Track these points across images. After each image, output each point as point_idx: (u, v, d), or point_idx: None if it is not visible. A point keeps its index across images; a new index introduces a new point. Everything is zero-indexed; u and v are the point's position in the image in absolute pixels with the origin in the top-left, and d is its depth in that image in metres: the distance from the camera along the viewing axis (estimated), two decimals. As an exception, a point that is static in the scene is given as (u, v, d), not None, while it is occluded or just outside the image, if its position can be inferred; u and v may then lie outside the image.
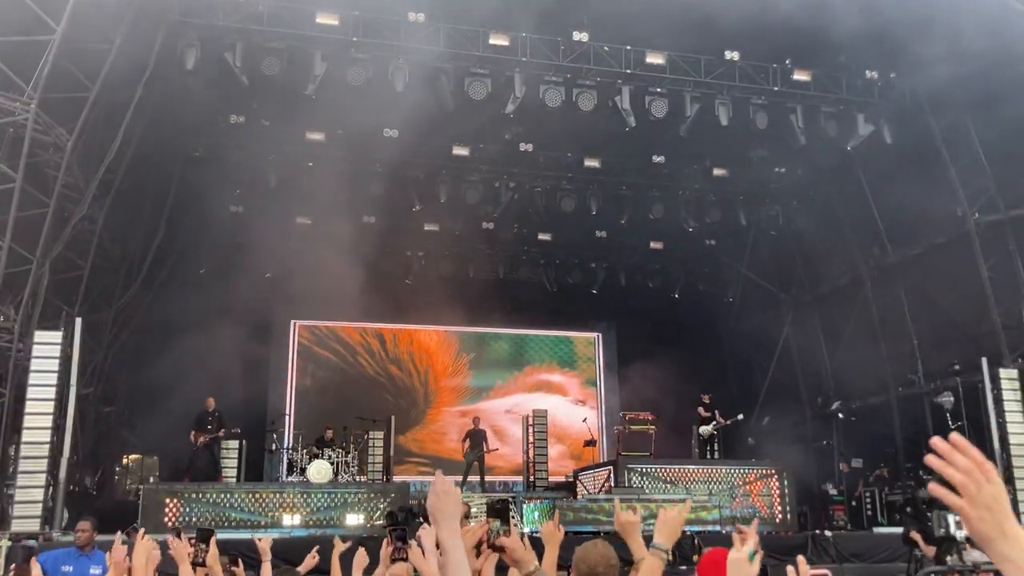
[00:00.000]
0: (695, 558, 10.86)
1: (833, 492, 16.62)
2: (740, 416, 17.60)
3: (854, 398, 18.77)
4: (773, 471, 15.49)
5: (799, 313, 20.71)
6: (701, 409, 17.85)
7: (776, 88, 15.78)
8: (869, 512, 16.56)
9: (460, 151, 17.68)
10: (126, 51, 13.20)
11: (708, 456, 17.24)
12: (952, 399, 15.61)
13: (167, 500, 13.79)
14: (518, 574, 3.61)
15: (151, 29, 13.65)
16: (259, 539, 5.68)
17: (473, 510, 16.12)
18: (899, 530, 13.44)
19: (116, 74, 13.44)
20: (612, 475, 16.03)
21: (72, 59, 12.91)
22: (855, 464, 17.23)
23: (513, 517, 4.19)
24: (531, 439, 18.95)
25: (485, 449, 18.29)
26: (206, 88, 14.51)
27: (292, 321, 22.00)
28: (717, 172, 18.81)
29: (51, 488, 12.97)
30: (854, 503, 16.69)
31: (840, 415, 18.16)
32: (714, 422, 17.45)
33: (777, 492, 15.32)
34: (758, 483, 15.38)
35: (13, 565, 6.63)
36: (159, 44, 13.74)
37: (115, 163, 14.66)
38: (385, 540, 5.25)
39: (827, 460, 18.61)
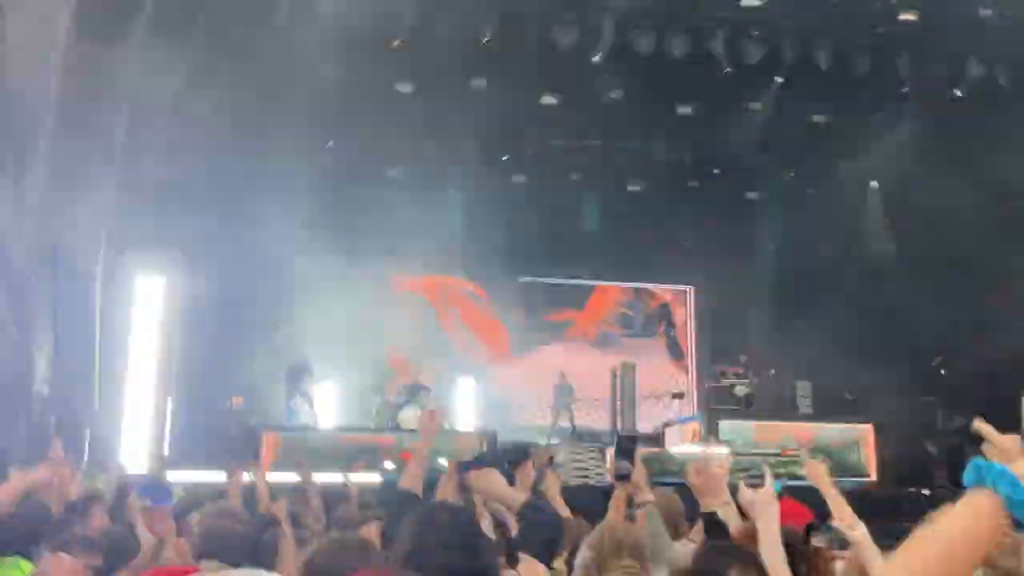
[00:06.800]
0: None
1: (934, 451, 16.02)
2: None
3: (961, 353, 17.81)
4: (867, 427, 15.05)
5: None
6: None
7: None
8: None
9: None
10: None
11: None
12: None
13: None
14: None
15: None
16: None
17: (559, 458, 16.23)
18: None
19: None
20: (701, 428, 15.87)
21: None
22: (958, 423, 16.48)
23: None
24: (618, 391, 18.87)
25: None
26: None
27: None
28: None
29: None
30: (956, 463, 16.04)
31: (942, 371, 17.38)
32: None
33: (871, 449, 14.88)
34: (852, 439, 14.97)
35: None
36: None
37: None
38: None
39: (930, 418, 17.85)
